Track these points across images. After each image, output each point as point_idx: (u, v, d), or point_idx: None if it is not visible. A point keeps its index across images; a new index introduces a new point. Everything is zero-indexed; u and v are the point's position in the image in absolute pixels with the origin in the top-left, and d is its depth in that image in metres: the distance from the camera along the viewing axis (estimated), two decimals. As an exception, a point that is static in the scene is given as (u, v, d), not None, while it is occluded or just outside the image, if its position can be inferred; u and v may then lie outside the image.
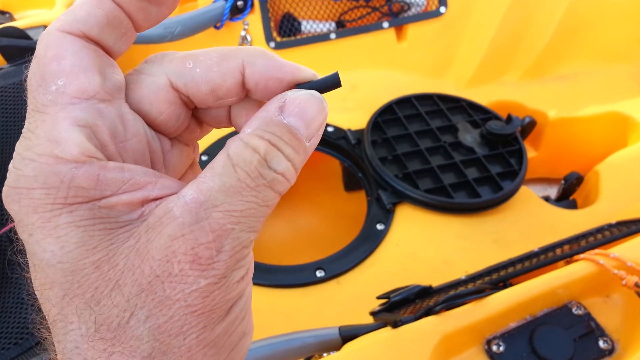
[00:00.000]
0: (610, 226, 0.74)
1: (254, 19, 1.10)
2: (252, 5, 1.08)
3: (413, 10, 1.16)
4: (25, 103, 0.72)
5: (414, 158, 0.95)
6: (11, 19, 1.06)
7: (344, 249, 0.84)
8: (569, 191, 1.03)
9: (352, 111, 1.08)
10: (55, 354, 0.20)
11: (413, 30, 1.17)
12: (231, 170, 0.20)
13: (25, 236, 0.19)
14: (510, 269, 0.67)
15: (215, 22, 1.06)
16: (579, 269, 0.59)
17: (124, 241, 0.19)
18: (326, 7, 1.13)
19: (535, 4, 1.20)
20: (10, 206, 0.20)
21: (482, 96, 1.14)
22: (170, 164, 0.24)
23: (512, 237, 0.86)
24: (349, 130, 1.02)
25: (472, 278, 0.69)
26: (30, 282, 0.20)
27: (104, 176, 0.19)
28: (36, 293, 0.20)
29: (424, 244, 0.85)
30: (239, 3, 1.06)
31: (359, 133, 1.01)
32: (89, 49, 0.21)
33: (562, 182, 1.04)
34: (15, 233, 0.21)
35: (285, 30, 1.12)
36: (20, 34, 0.95)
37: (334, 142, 1.01)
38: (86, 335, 0.19)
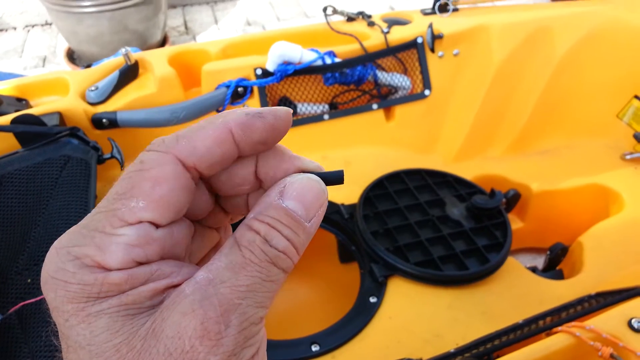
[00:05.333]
0: (590, 297, 0.77)
1: (253, 103, 1.18)
2: (251, 91, 1.17)
3: (400, 93, 1.25)
4: (39, 186, 0.77)
5: (404, 231, 1.00)
6: (27, 105, 1.13)
7: (338, 322, 0.87)
8: (555, 261, 1.07)
9: (345, 186, 1.14)
10: None
11: (400, 110, 1.25)
12: (236, 250, 0.22)
13: (61, 320, 0.21)
14: (496, 341, 0.70)
15: (218, 106, 1.14)
16: (558, 341, 0.62)
17: (143, 324, 0.21)
18: (320, 91, 1.22)
19: (514, 84, 1.29)
20: (47, 292, 0.21)
21: (468, 170, 1.21)
22: (191, 247, 0.26)
23: (500, 309, 0.89)
24: (343, 205, 1.07)
25: (461, 351, 0.72)
26: None
27: (134, 272, 0.21)
28: None
29: (415, 316, 0.88)
30: (240, 89, 1.15)
31: (351, 207, 1.07)
32: (186, 190, 0.22)
33: (548, 252, 1.08)
34: (50, 317, 0.22)
35: (282, 112, 1.20)
36: (36, 120, 1.02)
37: (328, 216, 1.06)
38: None
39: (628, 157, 1.25)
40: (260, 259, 0.22)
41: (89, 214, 0.22)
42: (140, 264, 0.21)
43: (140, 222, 0.21)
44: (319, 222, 0.24)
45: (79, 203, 0.89)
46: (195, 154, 0.22)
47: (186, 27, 2.79)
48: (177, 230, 0.23)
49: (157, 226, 0.22)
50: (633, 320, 0.62)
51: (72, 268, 0.21)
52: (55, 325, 0.22)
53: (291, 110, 0.25)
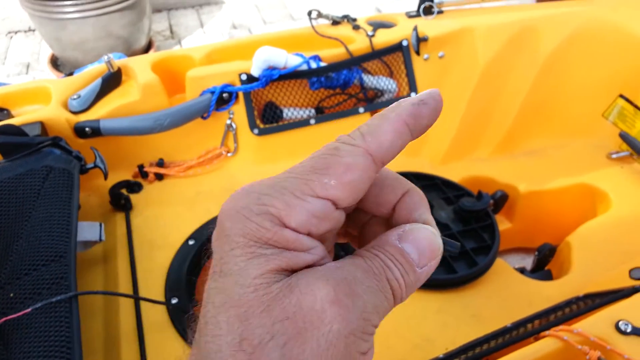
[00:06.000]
0: (578, 299, 0.77)
1: (238, 109, 1.17)
2: (236, 96, 1.16)
3: (386, 97, 1.25)
4: (21, 197, 0.75)
5: (393, 236, 0.99)
6: (9, 115, 1.11)
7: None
8: (543, 262, 1.07)
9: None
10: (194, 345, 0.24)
11: (387, 114, 1.25)
12: (359, 258, 0.25)
13: (227, 248, 0.24)
14: (485, 346, 0.70)
15: (203, 112, 1.13)
16: (545, 345, 0.62)
17: (283, 278, 0.23)
18: (305, 96, 1.21)
19: (500, 85, 1.29)
20: (225, 221, 0.24)
21: (456, 172, 1.21)
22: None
23: (490, 311, 0.89)
24: (330, 210, 1.07)
25: (450, 356, 0.72)
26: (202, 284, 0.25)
27: (302, 238, 0.24)
28: (206, 292, 0.24)
29: (405, 320, 0.88)
30: (224, 95, 1.14)
31: (339, 213, 1.06)
32: (368, 182, 0.25)
33: (536, 253, 1.08)
34: (209, 241, 0.25)
35: (268, 118, 1.19)
36: (17, 131, 1.00)
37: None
38: (231, 344, 0.22)
39: (614, 156, 1.26)
40: (380, 272, 0.24)
41: (279, 175, 0.25)
42: (309, 234, 0.24)
43: (326, 198, 0.24)
44: (429, 273, 0.26)
45: (61, 214, 0.88)
46: (382, 148, 0.25)
47: (171, 32, 2.78)
48: (342, 216, 0.25)
49: (336, 207, 0.24)
50: (620, 323, 0.62)
51: (257, 210, 0.23)
52: (210, 248, 0.25)
53: (438, 90, 0.27)
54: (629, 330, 0.61)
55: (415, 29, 1.23)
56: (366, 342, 0.23)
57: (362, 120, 1.24)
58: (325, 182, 0.24)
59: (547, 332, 0.63)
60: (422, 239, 0.26)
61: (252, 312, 0.22)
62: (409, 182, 0.28)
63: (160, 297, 0.89)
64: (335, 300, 0.22)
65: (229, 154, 1.20)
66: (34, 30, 2.76)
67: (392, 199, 0.28)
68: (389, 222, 0.28)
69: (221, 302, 0.23)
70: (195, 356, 0.23)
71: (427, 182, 1.12)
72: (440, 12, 1.32)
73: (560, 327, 0.63)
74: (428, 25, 1.26)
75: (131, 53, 2.21)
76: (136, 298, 0.85)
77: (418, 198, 0.28)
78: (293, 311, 0.22)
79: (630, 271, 0.78)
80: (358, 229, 0.30)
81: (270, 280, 0.22)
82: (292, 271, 0.23)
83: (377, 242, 0.26)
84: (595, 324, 0.63)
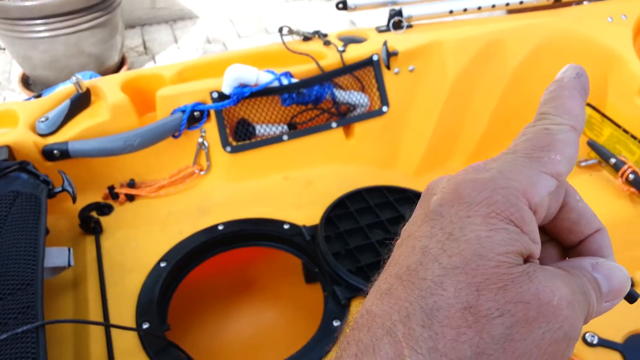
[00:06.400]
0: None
1: (210, 127, 1.17)
2: (208, 114, 1.15)
3: (358, 111, 1.26)
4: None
5: (366, 251, 1.00)
6: (-26, 139, 1.09)
7: (302, 349, 0.86)
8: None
9: (307, 207, 1.13)
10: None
11: (359, 128, 1.26)
12: (569, 274, 0.25)
13: (462, 214, 0.24)
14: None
15: (174, 131, 1.13)
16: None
17: (521, 263, 0.23)
18: (278, 112, 1.22)
19: (469, 97, 1.31)
20: (465, 187, 0.25)
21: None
22: None
23: (464, 324, 0.89)
24: (304, 226, 1.06)
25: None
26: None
27: (535, 225, 0.24)
28: (418, 248, 0.24)
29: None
30: (196, 113, 1.14)
31: (313, 229, 1.06)
32: (577, 154, 0.26)
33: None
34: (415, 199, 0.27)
35: (241, 135, 1.19)
36: (-17, 155, 0.98)
37: (290, 239, 1.05)
38: (453, 306, 0.22)
39: (583, 164, 1.28)
40: (586, 292, 0.25)
41: (502, 156, 0.26)
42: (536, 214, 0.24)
43: (555, 175, 0.25)
44: (606, 311, 0.27)
45: (28, 241, 0.86)
46: (579, 121, 0.27)
47: (145, 47, 2.76)
48: (546, 208, 0.26)
49: (557, 182, 0.25)
50: (587, 335, 0.63)
51: (502, 183, 0.24)
52: (425, 209, 0.26)
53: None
54: (595, 342, 0.62)
55: (385, 43, 1.24)
56: (572, 351, 0.24)
57: (335, 135, 1.25)
58: (552, 157, 0.25)
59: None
60: (617, 277, 0.26)
61: (487, 286, 0.22)
62: (601, 222, 0.29)
63: (132, 321, 0.87)
64: (571, 303, 0.23)
65: (201, 173, 1.19)
66: (4, 49, 2.72)
67: (585, 232, 0.29)
68: (568, 250, 0.30)
69: (451, 265, 0.23)
70: (402, 303, 0.23)
71: (399, 195, 1.13)
72: (409, 26, 1.33)
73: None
74: (398, 40, 1.27)
75: (104, 70, 2.19)
76: (106, 325, 0.84)
77: (609, 240, 0.29)
78: (529, 298, 0.22)
79: (597, 281, 0.79)
80: None
81: (512, 261, 0.23)
82: (523, 258, 0.24)
83: (570, 264, 0.26)
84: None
